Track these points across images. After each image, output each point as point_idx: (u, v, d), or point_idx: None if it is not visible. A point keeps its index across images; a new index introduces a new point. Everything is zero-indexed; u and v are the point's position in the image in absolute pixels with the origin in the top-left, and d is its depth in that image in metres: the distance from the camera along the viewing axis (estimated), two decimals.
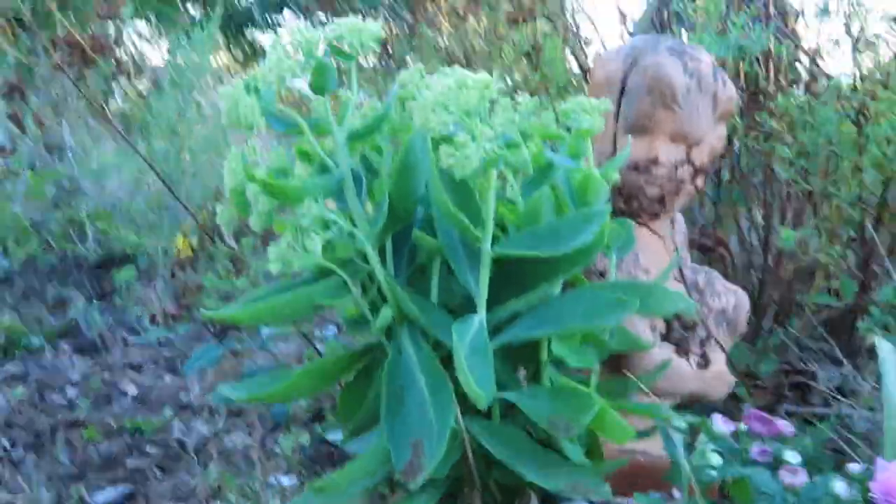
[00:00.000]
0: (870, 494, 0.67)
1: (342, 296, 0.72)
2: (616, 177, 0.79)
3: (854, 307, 1.38)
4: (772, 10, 1.84)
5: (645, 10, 2.61)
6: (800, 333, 1.42)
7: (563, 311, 0.70)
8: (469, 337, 0.66)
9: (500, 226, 0.77)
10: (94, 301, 2.62)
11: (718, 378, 0.91)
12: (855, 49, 1.48)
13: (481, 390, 0.62)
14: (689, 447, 0.74)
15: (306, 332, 1.32)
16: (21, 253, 2.83)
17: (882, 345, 0.99)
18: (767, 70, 1.25)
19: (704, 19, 1.37)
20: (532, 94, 1.28)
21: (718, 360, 0.92)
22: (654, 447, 0.85)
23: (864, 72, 1.53)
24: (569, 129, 0.81)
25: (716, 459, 0.71)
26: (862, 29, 1.48)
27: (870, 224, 1.26)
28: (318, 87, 0.69)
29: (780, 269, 1.34)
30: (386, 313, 0.72)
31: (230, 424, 1.73)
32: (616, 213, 0.86)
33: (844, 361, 1.30)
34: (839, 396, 1.24)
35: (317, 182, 0.69)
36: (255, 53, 10.83)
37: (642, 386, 0.82)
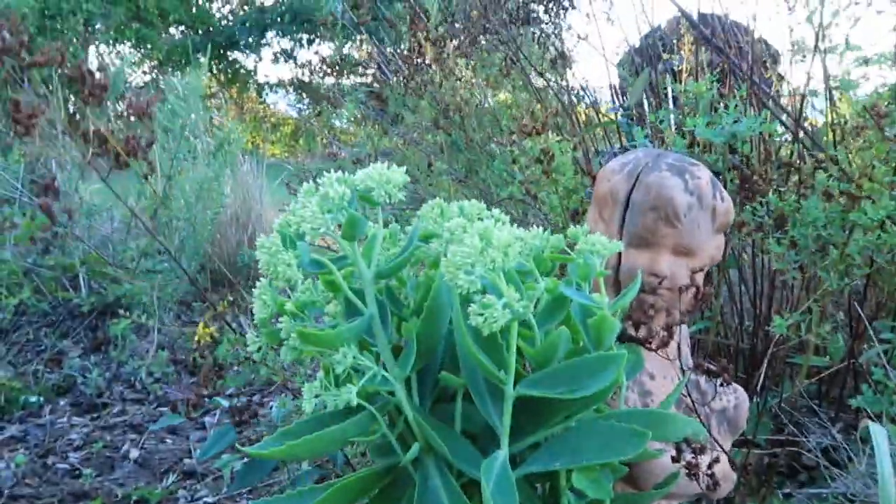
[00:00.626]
0: None
1: (373, 431, 0.76)
2: (626, 306, 0.84)
3: (843, 368, 1.45)
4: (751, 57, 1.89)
5: (626, 50, 2.67)
6: (791, 395, 1.48)
7: (581, 445, 0.74)
8: (495, 475, 0.70)
9: (518, 351, 0.81)
10: (90, 354, 2.62)
11: (723, 478, 0.95)
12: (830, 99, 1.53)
13: None
14: None
15: None
16: (13, 300, 2.80)
17: (875, 429, 1.04)
18: (758, 157, 1.31)
19: (696, 102, 1.42)
20: (541, 191, 1.35)
21: (722, 460, 0.96)
22: None
23: (842, 117, 1.58)
24: None
25: None
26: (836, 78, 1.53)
27: (856, 303, 1.32)
28: (348, 236, 0.73)
29: (770, 345, 1.39)
30: (415, 449, 0.76)
31: (235, 491, 1.75)
32: (625, 339, 0.91)
33: (831, 428, 1.36)
34: (830, 465, 1.30)
35: (350, 328, 0.73)
36: (236, 75, 10.78)
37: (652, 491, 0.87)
